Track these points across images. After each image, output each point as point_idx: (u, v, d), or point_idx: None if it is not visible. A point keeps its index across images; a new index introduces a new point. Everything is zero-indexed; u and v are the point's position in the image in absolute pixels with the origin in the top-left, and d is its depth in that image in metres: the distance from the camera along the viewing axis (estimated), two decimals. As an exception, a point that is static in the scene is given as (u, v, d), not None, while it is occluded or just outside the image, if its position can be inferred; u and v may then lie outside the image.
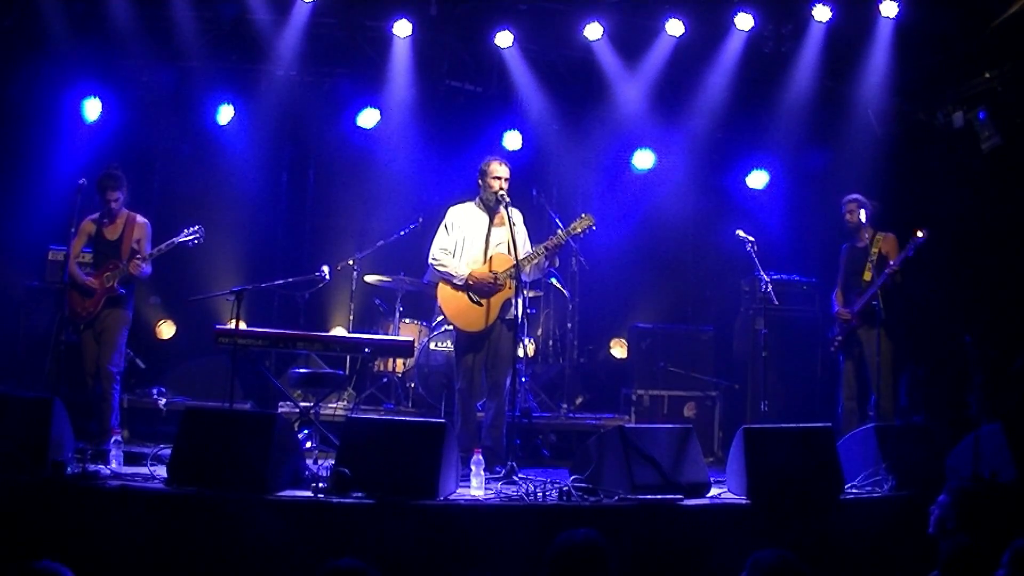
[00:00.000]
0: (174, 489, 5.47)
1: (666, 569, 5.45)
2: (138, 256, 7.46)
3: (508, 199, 7.02)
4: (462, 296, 7.06)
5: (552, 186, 10.39)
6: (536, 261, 7.07)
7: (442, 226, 7.25)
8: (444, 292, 7.14)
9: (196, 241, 7.59)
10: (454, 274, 7.04)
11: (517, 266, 6.72)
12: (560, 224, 8.18)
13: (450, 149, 10.04)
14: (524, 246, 7.07)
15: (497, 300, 7.04)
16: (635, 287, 10.37)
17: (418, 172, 10.12)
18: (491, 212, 7.20)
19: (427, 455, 5.57)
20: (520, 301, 6.81)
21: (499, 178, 7.09)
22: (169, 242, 7.53)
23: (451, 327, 7.56)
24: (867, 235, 8.17)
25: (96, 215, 7.60)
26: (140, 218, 7.66)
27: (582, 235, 7.29)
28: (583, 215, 7.19)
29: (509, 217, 7.00)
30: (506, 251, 7.08)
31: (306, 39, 9.32)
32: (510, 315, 7.04)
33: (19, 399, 5.96)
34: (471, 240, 7.16)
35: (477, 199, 7.28)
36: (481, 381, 7.09)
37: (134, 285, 7.59)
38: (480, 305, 7.02)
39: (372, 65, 9.67)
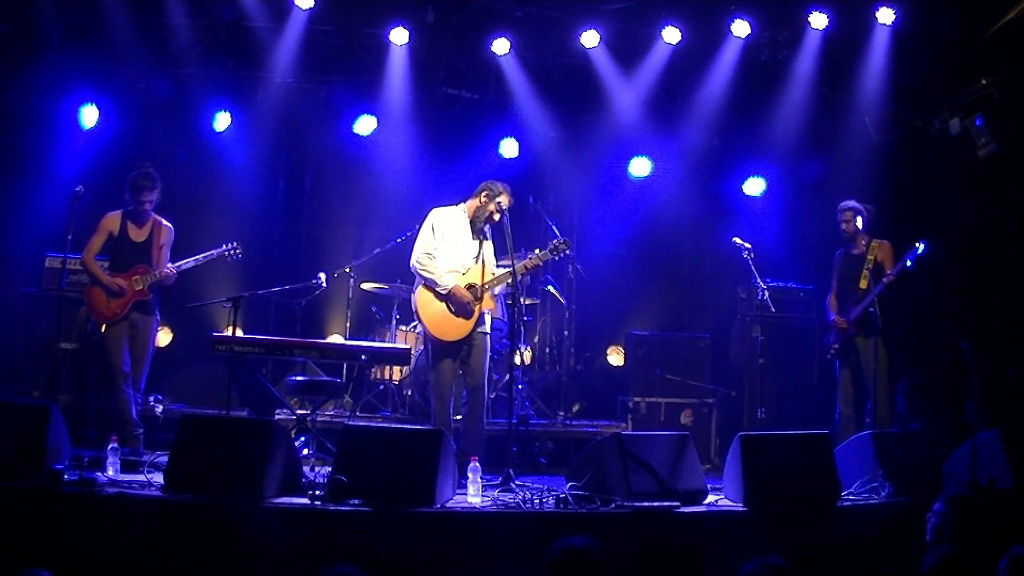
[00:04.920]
0: (171, 496, 5.48)
1: (663, 576, 5.46)
2: (170, 265, 7.37)
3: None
4: (441, 305, 6.98)
5: (549, 194, 10.40)
6: (508, 280, 7.01)
7: (427, 228, 7.12)
8: (423, 297, 7.03)
9: (236, 256, 7.58)
10: (439, 282, 6.97)
11: (514, 275, 6.72)
12: (556, 232, 8.24)
13: (447, 156, 10.04)
14: (491, 262, 7.14)
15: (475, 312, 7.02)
16: (632, 294, 10.38)
17: (415, 179, 10.09)
18: (475, 225, 7.17)
19: (424, 462, 5.57)
20: (516, 310, 6.84)
21: (503, 209, 7.09)
22: (207, 254, 7.50)
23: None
24: (863, 242, 8.12)
25: (119, 211, 7.44)
26: (167, 223, 7.55)
27: (557, 258, 7.35)
28: (559, 239, 7.26)
29: (508, 233, 7.05)
30: (482, 264, 7.07)
31: (303, 46, 9.31)
32: (485, 328, 7.06)
33: (16, 406, 5.97)
34: (453, 248, 7.10)
35: (464, 206, 7.20)
36: (456, 387, 7.07)
37: (157, 289, 7.50)
38: (458, 316, 6.97)
39: (369, 72, 9.68)
